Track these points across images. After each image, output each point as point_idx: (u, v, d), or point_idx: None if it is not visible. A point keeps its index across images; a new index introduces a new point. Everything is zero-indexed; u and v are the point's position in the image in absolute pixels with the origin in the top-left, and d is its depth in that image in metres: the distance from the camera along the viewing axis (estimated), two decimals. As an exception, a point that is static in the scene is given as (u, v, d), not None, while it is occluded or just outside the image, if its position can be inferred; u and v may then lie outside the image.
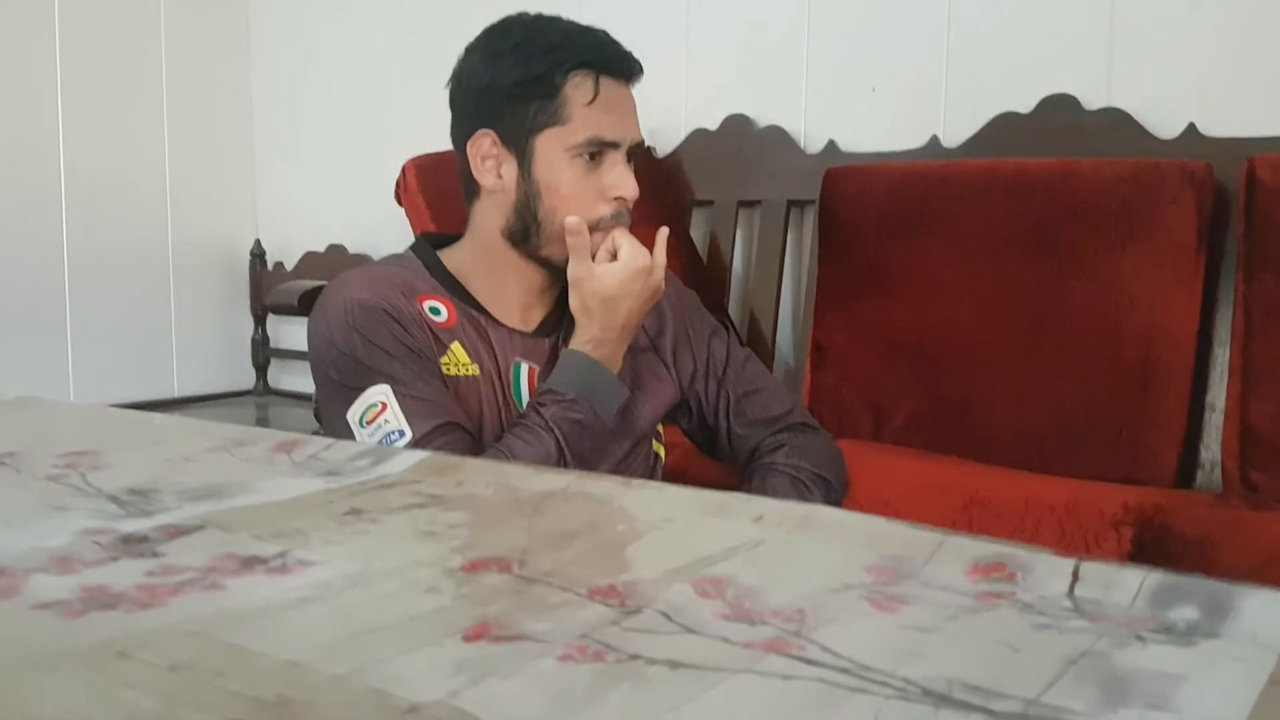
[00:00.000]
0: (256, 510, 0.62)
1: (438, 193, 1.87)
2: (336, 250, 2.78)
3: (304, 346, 2.76)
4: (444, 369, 1.18)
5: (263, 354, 2.93)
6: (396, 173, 1.93)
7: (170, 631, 0.44)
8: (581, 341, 1.18)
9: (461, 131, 1.22)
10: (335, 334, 1.18)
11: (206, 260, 2.92)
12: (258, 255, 2.93)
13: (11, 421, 0.86)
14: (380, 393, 1.12)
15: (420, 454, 0.76)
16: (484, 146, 1.20)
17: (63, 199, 2.62)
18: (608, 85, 1.18)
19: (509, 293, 1.24)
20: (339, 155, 2.83)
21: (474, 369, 1.20)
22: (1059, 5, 1.87)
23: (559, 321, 1.27)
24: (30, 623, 0.45)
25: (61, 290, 2.63)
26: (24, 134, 2.56)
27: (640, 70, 1.22)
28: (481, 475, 0.72)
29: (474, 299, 1.23)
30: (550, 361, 1.24)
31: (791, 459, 1.31)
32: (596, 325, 1.16)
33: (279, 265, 2.91)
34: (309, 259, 2.83)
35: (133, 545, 0.55)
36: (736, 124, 2.17)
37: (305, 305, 2.29)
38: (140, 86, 2.75)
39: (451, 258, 1.26)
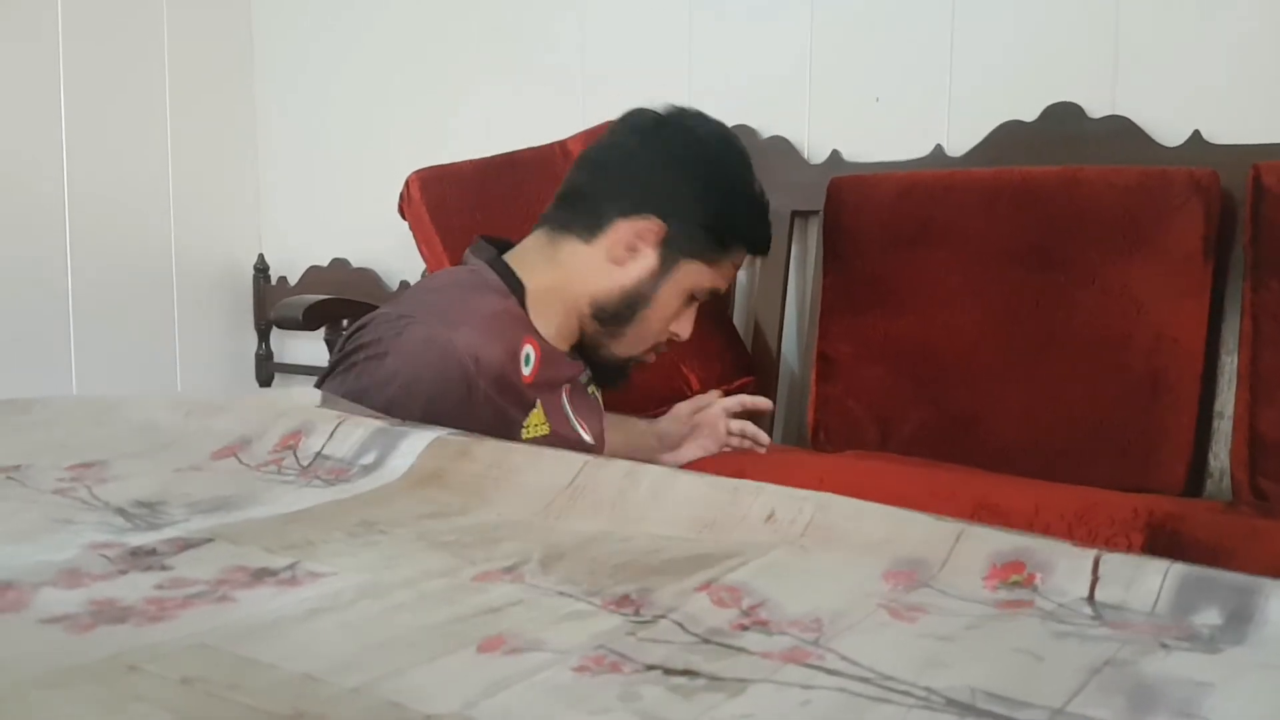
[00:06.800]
0: (265, 523, 0.62)
1: (442, 205, 1.86)
2: (340, 264, 2.77)
3: (307, 360, 2.73)
4: (525, 433, 1.14)
5: (267, 369, 2.92)
6: (400, 186, 1.93)
7: (180, 644, 0.43)
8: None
9: (625, 193, 1.19)
10: (400, 366, 1.06)
11: (210, 275, 2.91)
12: (261, 270, 2.92)
13: (19, 429, 0.85)
14: None
15: (426, 438, 0.74)
16: (643, 229, 1.18)
17: (66, 216, 2.62)
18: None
19: (564, 326, 1.23)
20: (342, 169, 2.83)
21: (546, 428, 1.18)
22: (1063, 13, 1.86)
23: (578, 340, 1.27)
24: (39, 637, 0.44)
25: (65, 307, 2.62)
26: (27, 151, 2.56)
27: None
28: (489, 469, 0.70)
29: (540, 333, 1.21)
30: (577, 376, 1.25)
31: None
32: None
33: (282, 280, 2.90)
34: (312, 273, 2.83)
35: (141, 558, 0.55)
36: (740, 134, 2.16)
37: (310, 319, 2.28)
38: (143, 102, 2.75)
39: (532, 283, 1.21)
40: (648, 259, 1.20)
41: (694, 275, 1.22)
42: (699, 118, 1.27)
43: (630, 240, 1.19)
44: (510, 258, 1.23)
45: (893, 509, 0.58)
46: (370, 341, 1.09)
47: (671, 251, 1.20)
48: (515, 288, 1.20)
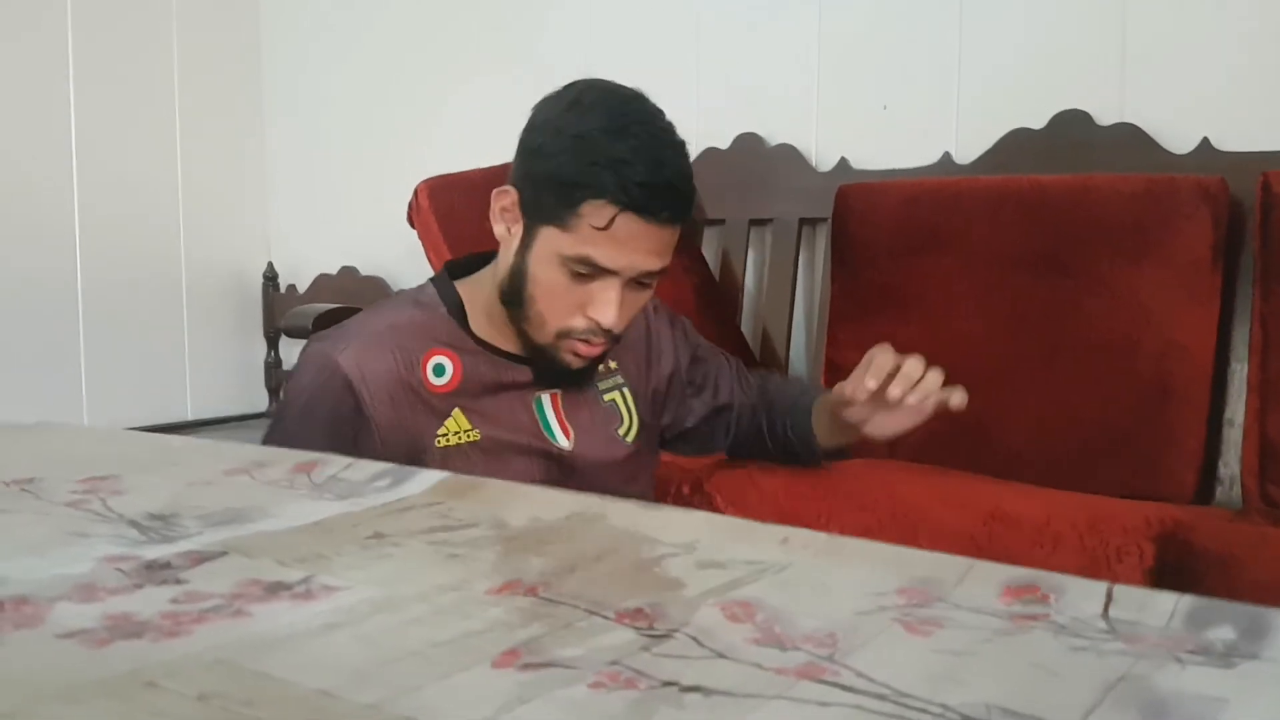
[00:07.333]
0: (278, 536, 0.62)
1: (450, 214, 1.87)
2: (348, 272, 2.78)
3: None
4: (439, 441, 1.16)
5: (275, 377, 2.93)
6: (408, 194, 1.94)
7: (197, 660, 0.43)
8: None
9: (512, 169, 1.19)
10: (297, 388, 1.18)
11: (219, 283, 2.92)
12: (270, 278, 2.93)
13: (30, 446, 0.86)
14: None
15: (440, 474, 0.76)
16: (506, 200, 1.17)
17: (76, 223, 2.63)
18: (627, 220, 1.10)
19: (506, 325, 1.23)
20: (351, 178, 2.84)
21: (474, 435, 1.18)
22: (1071, 21, 1.87)
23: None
24: (56, 653, 0.44)
25: (75, 314, 2.63)
26: (38, 163, 2.57)
27: (676, 217, 1.13)
28: (501, 498, 0.71)
29: (485, 341, 1.22)
30: (526, 380, 1.24)
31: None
32: None
33: (291, 288, 2.91)
34: (321, 281, 2.84)
35: (156, 572, 0.55)
36: (747, 142, 2.17)
37: (320, 328, 2.29)
38: (153, 111, 2.77)
39: (476, 293, 1.23)
40: (517, 229, 1.17)
41: (552, 241, 1.13)
42: (580, 80, 1.18)
43: (498, 214, 1.18)
44: (484, 270, 1.25)
45: (902, 549, 0.58)
46: (296, 364, 1.20)
47: (530, 219, 1.15)
48: (450, 301, 1.22)
